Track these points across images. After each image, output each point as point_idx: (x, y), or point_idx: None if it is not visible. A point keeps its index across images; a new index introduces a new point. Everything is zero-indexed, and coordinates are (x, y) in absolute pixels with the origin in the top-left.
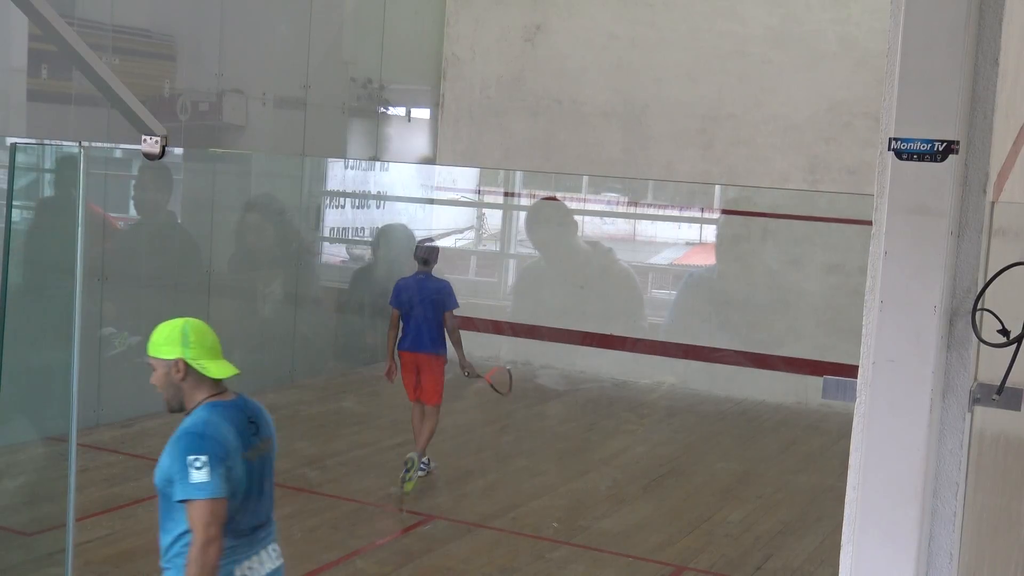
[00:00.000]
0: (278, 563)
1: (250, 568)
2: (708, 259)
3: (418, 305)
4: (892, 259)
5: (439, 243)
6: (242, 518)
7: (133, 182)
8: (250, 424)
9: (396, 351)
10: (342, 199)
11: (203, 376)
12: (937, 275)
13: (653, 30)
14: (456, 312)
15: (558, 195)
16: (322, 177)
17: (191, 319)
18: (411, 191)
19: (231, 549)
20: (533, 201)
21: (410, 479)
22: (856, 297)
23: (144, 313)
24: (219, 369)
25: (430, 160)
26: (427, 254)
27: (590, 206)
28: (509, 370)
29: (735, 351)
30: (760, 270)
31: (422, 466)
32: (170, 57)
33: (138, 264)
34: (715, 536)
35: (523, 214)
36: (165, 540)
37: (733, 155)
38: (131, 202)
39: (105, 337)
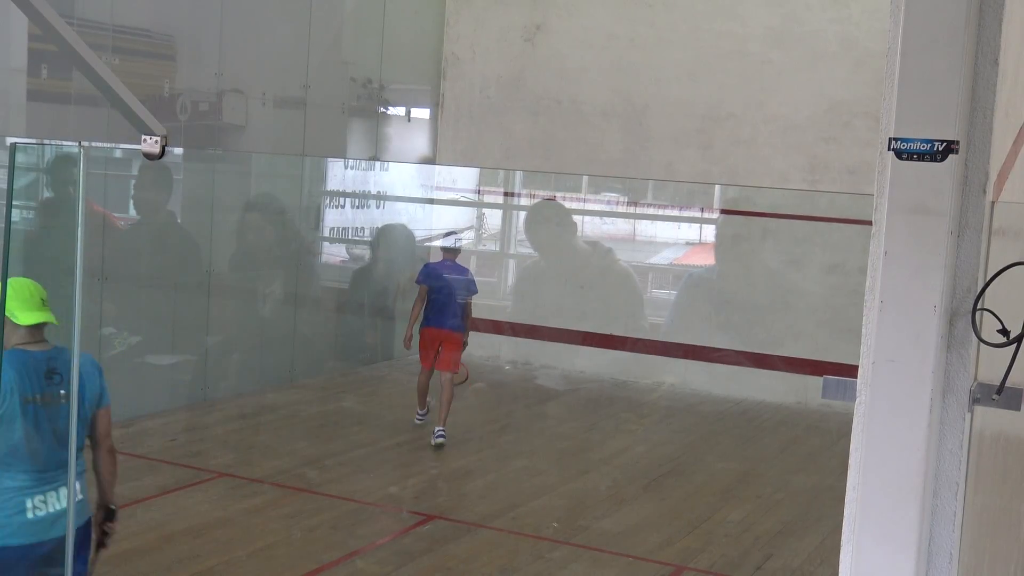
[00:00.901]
0: (67, 505)
1: (43, 502)
2: (708, 259)
3: (445, 287)
4: (892, 259)
5: (438, 243)
6: (28, 456)
7: (133, 182)
8: (50, 374)
9: (419, 328)
10: (342, 199)
11: (16, 325)
12: (937, 275)
13: (653, 30)
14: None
15: (558, 195)
16: (322, 177)
17: (21, 278)
18: (411, 191)
19: (23, 483)
20: (533, 201)
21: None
22: (856, 297)
23: (144, 313)
24: (27, 318)
25: (430, 160)
26: (454, 243)
27: (590, 206)
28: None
29: (735, 351)
30: (760, 270)
31: (440, 435)
32: (170, 57)
33: (138, 264)
34: (715, 536)
35: (523, 214)
36: None
37: (733, 155)
38: (131, 202)
39: (105, 337)
